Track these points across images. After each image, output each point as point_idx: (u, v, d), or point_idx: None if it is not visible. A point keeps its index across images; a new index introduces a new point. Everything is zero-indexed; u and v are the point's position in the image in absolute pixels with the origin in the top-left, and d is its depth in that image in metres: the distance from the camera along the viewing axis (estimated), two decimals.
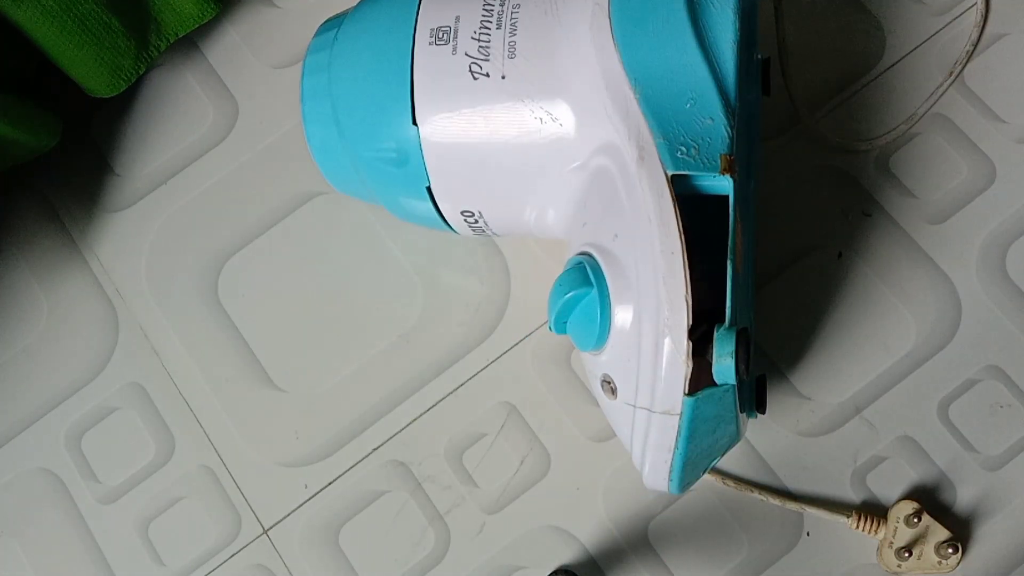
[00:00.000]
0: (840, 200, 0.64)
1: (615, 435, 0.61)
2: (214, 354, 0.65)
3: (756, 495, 0.59)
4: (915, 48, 0.66)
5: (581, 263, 0.48)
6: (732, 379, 0.43)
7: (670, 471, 0.47)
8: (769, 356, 0.61)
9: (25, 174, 0.68)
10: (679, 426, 0.45)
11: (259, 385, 0.64)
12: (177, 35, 0.66)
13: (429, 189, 0.53)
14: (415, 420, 0.63)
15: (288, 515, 0.62)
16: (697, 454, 0.47)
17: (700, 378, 0.44)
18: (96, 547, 0.63)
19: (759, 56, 0.58)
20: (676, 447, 0.45)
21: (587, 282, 0.47)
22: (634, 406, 0.46)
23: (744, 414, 0.51)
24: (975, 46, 0.65)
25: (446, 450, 0.62)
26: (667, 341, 0.43)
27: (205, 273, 0.66)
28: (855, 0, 0.67)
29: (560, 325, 0.49)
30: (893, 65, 0.66)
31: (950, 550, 0.56)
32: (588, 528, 0.60)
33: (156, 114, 0.69)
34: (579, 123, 0.49)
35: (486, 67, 0.50)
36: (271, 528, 0.62)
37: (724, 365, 0.43)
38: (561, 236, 0.54)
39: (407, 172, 0.53)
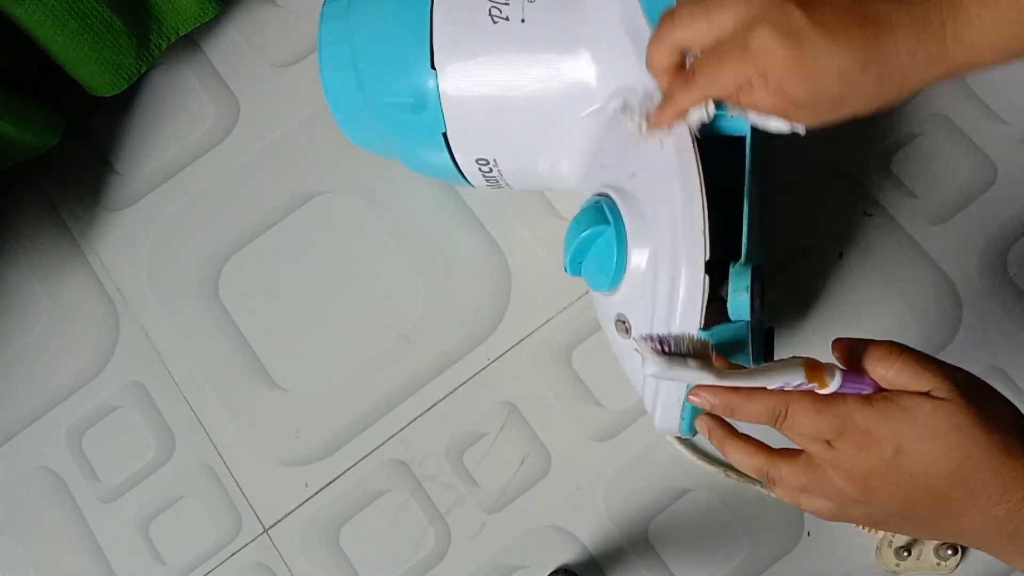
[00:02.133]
0: (841, 200, 0.64)
1: (616, 434, 0.61)
2: (215, 353, 0.65)
3: (758, 489, 0.59)
4: None
5: (598, 202, 0.48)
6: (747, 315, 0.43)
7: (682, 411, 0.47)
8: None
9: (26, 173, 0.68)
10: None
11: (260, 384, 0.64)
12: (178, 34, 0.66)
13: (445, 136, 0.53)
14: (415, 419, 0.63)
15: (288, 514, 0.62)
16: None
17: (714, 319, 0.44)
18: (97, 545, 0.63)
19: None
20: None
21: (604, 220, 0.47)
22: None
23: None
24: None
25: (447, 449, 0.62)
26: (683, 273, 0.43)
27: (206, 272, 0.66)
28: None
29: (575, 266, 0.48)
30: None
31: (949, 552, 0.56)
32: (588, 528, 0.60)
33: (157, 113, 0.69)
34: (598, 66, 0.49)
35: (506, 11, 0.50)
36: (271, 527, 0.62)
37: (740, 300, 0.43)
38: (575, 186, 0.53)
39: (424, 118, 0.52)
